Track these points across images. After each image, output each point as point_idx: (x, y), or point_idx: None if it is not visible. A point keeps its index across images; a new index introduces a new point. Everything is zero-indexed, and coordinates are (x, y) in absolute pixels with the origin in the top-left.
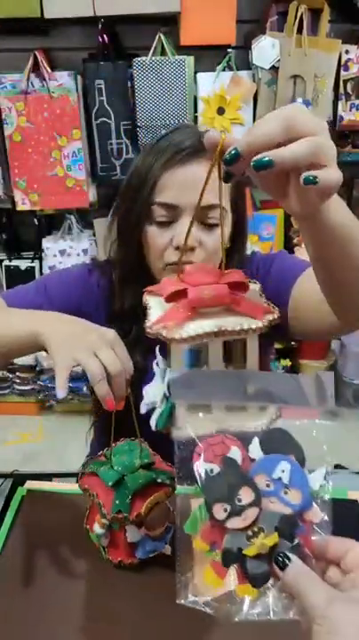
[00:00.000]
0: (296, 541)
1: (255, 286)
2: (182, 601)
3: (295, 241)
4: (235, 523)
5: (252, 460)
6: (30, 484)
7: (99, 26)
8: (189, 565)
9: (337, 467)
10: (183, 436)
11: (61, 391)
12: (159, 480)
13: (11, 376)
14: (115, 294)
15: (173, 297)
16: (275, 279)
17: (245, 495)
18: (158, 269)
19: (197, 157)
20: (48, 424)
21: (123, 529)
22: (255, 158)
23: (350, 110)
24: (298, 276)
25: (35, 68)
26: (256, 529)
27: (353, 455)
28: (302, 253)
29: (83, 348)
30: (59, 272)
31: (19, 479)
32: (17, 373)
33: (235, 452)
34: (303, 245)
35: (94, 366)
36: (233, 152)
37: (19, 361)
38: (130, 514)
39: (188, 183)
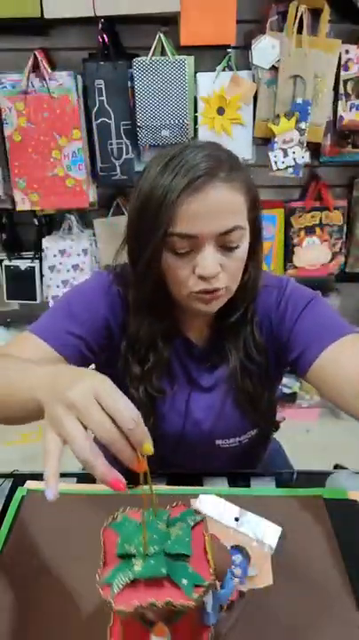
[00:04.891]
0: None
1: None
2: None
3: (295, 241)
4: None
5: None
6: (30, 484)
7: (99, 26)
8: None
9: (337, 467)
10: None
11: (50, 491)
12: (179, 582)
13: None
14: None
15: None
16: (303, 331)
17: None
18: (182, 296)
19: (212, 181)
20: None
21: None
22: None
23: (350, 110)
24: (335, 339)
25: (36, 68)
26: None
27: (353, 455)
28: (302, 253)
29: (63, 418)
30: (79, 289)
31: (19, 479)
32: None
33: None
34: (303, 245)
35: (79, 444)
36: None
37: None
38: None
39: (206, 211)
